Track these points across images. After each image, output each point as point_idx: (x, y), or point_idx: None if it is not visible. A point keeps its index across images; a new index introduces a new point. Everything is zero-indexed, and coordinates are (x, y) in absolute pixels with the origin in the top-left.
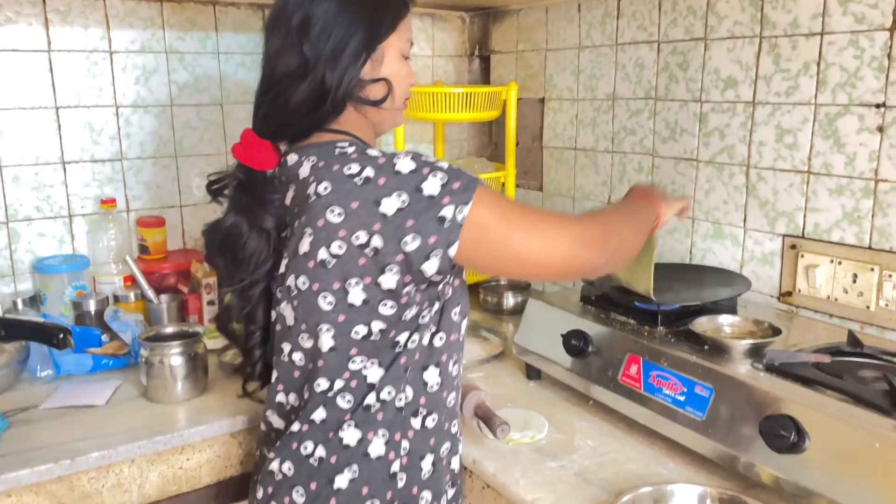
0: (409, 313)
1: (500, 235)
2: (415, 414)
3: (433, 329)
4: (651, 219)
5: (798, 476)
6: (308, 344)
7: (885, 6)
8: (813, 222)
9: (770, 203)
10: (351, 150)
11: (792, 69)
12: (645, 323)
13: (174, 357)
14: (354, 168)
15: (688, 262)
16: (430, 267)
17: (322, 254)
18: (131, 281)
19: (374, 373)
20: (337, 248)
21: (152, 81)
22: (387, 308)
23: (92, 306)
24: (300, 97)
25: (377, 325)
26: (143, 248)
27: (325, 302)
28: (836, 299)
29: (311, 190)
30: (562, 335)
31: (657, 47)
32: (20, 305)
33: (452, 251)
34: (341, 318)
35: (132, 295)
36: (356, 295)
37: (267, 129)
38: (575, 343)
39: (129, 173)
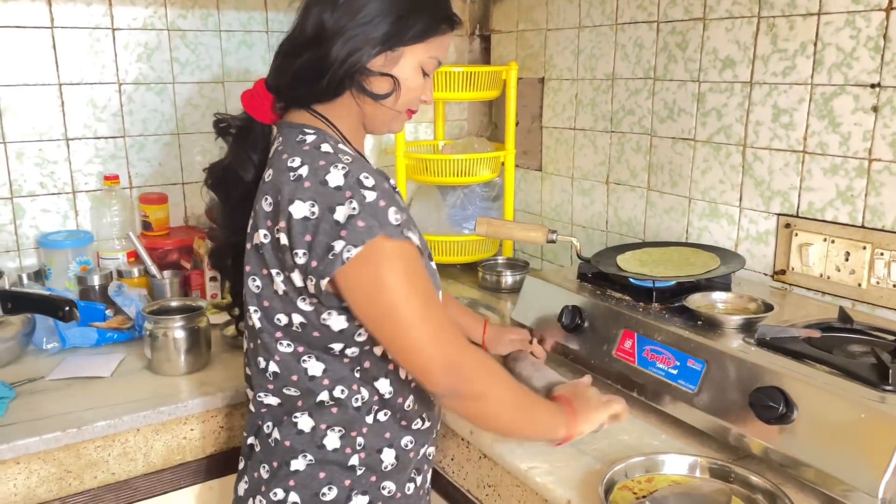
0: (335, 323)
1: (393, 303)
2: (368, 411)
3: (373, 342)
4: (552, 433)
5: (786, 446)
6: (250, 321)
7: None
8: (807, 201)
9: (765, 182)
10: (309, 139)
11: (789, 49)
12: (640, 299)
13: (178, 330)
14: (296, 162)
15: (684, 240)
16: (309, 286)
17: (256, 238)
18: (134, 257)
19: (313, 366)
20: (262, 236)
21: (154, 59)
22: (305, 304)
23: (96, 281)
24: (302, 64)
25: (297, 318)
26: (146, 225)
27: (254, 285)
28: (828, 277)
29: (265, 172)
30: (558, 311)
31: (656, 27)
32: (25, 280)
33: (324, 284)
34: (266, 303)
35: (135, 270)
36: (278, 285)
37: (273, 84)
38: (571, 319)
39: (132, 150)
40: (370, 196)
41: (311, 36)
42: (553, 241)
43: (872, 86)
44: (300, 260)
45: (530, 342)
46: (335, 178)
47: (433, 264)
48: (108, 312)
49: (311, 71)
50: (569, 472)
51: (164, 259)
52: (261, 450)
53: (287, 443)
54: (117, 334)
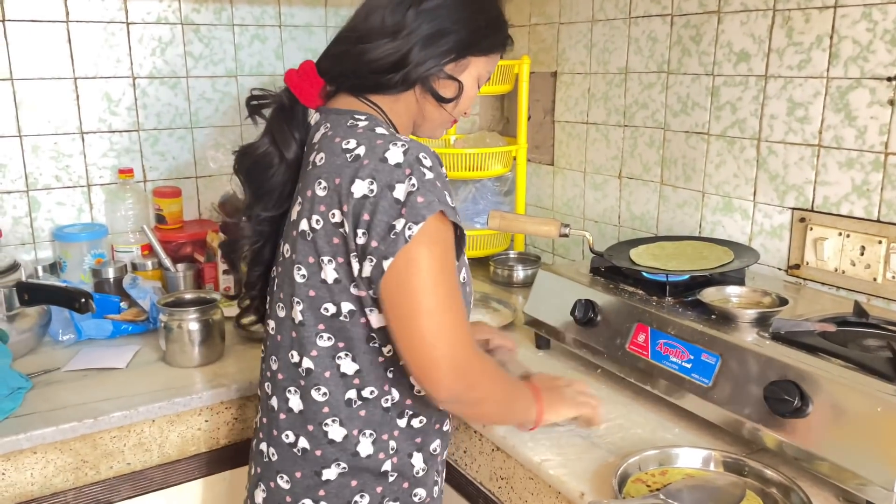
0: (375, 319)
1: (419, 286)
2: (400, 415)
3: None
4: (524, 417)
5: (801, 440)
6: (282, 314)
7: None
8: (822, 195)
9: (780, 177)
10: (362, 124)
11: (805, 42)
12: (653, 293)
13: (192, 322)
14: (352, 143)
15: (697, 234)
16: (365, 269)
17: (303, 225)
18: (149, 250)
19: (347, 365)
20: (315, 221)
21: (168, 53)
22: (358, 290)
23: (111, 274)
24: (379, 54)
25: (346, 306)
26: (160, 218)
27: (299, 274)
28: (843, 272)
29: (311, 158)
30: (571, 305)
31: (670, 20)
32: (41, 272)
33: (387, 264)
34: (311, 293)
35: (149, 263)
36: (329, 272)
37: (330, 68)
38: (584, 313)
39: (146, 144)
40: (429, 175)
41: (390, 30)
42: (566, 235)
43: (889, 79)
44: (360, 241)
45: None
46: (395, 155)
47: (465, 258)
48: (123, 305)
49: (384, 63)
50: (582, 464)
51: (177, 252)
52: (279, 459)
53: (318, 452)
54: (132, 326)
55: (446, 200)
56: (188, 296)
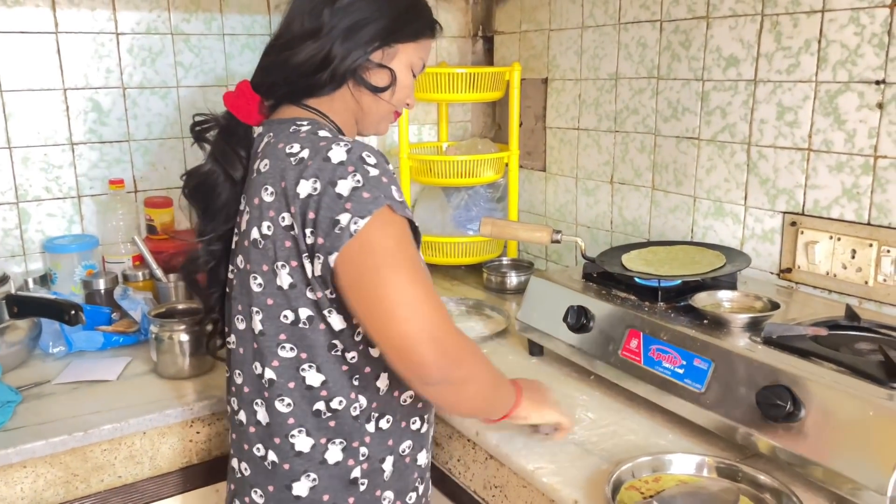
0: (335, 321)
1: (378, 263)
2: (367, 419)
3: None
4: (503, 405)
5: (794, 445)
6: (241, 325)
7: None
8: (813, 199)
9: (771, 180)
10: (304, 129)
11: (793, 47)
12: (646, 299)
13: (183, 333)
14: (295, 147)
15: (689, 239)
16: (316, 268)
17: (254, 233)
18: (140, 260)
19: (312, 377)
20: (266, 228)
21: (158, 63)
22: (314, 293)
23: (102, 285)
24: (303, 57)
25: (304, 312)
26: (151, 228)
27: (255, 283)
28: (835, 275)
29: (255, 165)
30: (563, 311)
31: (659, 26)
32: (31, 284)
33: (332, 259)
34: (269, 301)
35: (141, 274)
36: (284, 278)
37: (262, 82)
38: (576, 319)
39: (137, 154)
40: (373, 171)
41: (310, 31)
42: (558, 242)
43: (877, 82)
44: (309, 240)
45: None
46: (338, 154)
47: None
48: (114, 316)
49: (310, 64)
50: (575, 472)
51: (169, 262)
52: (252, 473)
53: (286, 466)
54: (123, 338)
55: (393, 195)
56: (179, 306)
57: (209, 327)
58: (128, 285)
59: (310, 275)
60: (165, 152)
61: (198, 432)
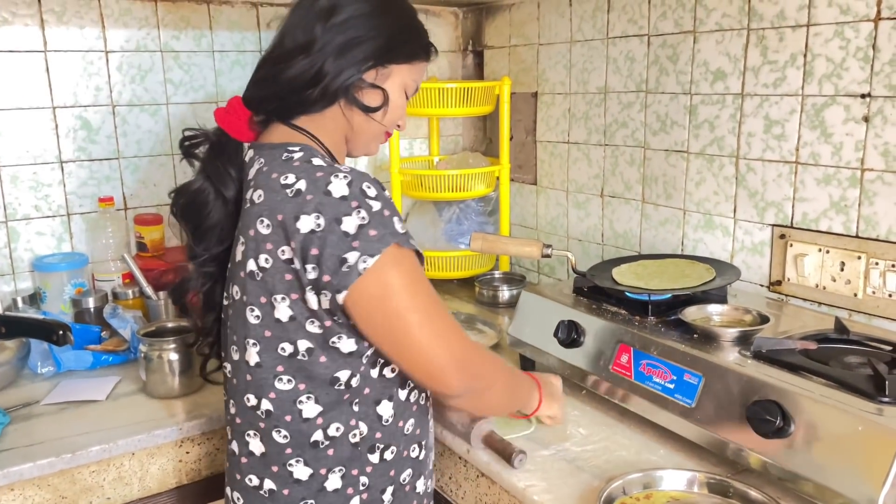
0: (345, 345)
1: (399, 306)
2: (371, 450)
3: (382, 361)
4: (527, 400)
5: (784, 460)
6: (236, 356)
7: None
8: (801, 212)
9: (759, 193)
10: (297, 156)
11: (779, 61)
12: (636, 313)
13: (172, 352)
14: (290, 178)
15: (679, 252)
16: (323, 302)
17: (251, 265)
18: (130, 278)
19: (310, 409)
20: (264, 261)
21: (148, 80)
22: (314, 326)
23: (91, 303)
24: (294, 72)
25: (304, 344)
26: (141, 246)
27: (252, 315)
28: (824, 287)
29: (248, 195)
30: (555, 326)
31: (647, 41)
32: (20, 303)
33: (340, 297)
34: (267, 333)
35: (131, 292)
36: (282, 311)
37: (253, 97)
38: (567, 334)
39: (127, 171)
40: (376, 205)
41: (302, 46)
42: (548, 256)
43: (863, 96)
44: (311, 276)
45: None
46: (338, 187)
47: None
48: (104, 335)
49: (301, 79)
50: (567, 489)
51: (159, 280)
52: (245, 502)
53: (286, 491)
54: (112, 357)
55: (397, 230)
56: (170, 325)
57: (206, 350)
58: (117, 303)
59: (314, 307)
60: (155, 169)
61: (188, 452)
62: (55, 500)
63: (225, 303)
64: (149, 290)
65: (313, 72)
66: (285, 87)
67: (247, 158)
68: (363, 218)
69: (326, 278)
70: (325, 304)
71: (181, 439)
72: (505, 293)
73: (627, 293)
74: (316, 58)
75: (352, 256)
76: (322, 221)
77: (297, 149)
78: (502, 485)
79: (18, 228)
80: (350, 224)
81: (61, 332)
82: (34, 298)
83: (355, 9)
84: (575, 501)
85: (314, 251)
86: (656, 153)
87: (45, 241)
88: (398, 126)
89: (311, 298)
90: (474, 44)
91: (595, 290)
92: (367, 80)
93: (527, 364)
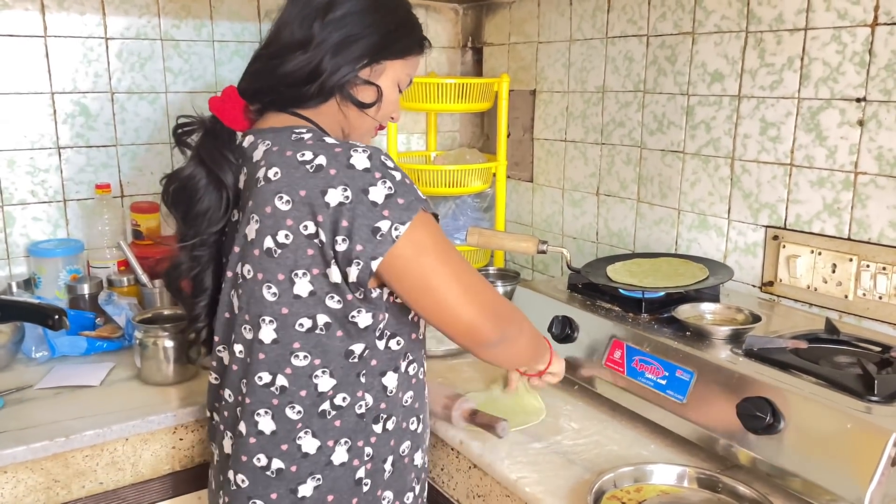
0: (362, 320)
1: (429, 266)
2: (375, 420)
3: (388, 334)
4: (544, 353)
5: (773, 456)
6: (249, 335)
7: (868, 2)
8: (795, 213)
9: (754, 195)
10: (307, 136)
11: (776, 63)
12: (630, 310)
13: (167, 339)
14: (308, 155)
15: (673, 251)
16: (352, 273)
17: (268, 242)
18: (125, 265)
19: (325, 382)
20: (283, 237)
21: (147, 68)
22: (334, 302)
23: (86, 290)
24: (291, 67)
25: (322, 319)
26: (137, 234)
27: (269, 293)
28: (815, 289)
29: (260, 174)
30: (549, 321)
31: (646, 41)
32: (15, 288)
33: (375, 264)
34: (284, 310)
35: (126, 279)
36: (302, 286)
37: (248, 88)
38: (561, 329)
39: (124, 159)
40: (398, 175)
41: (300, 42)
42: (544, 252)
43: (858, 100)
44: (340, 247)
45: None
46: (360, 160)
47: None
48: (98, 321)
49: (298, 75)
50: (558, 481)
51: (154, 268)
52: (251, 484)
53: (293, 468)
54: (107, 343)
55: (420, 196)
56: (165, 312)
57: (192, 336)
58: (112, 290)
59: (336, 280)
60: (153, 157)
61: (181, 439)
62: (48, 484)
63: (229, 289)
64: (144, 277)
65: (310, 68)
66: (282, 82)
67: (245, 144)
68: (389, 188)
69: (360, 247)
70: (354, 276)
71: (175, 426)
72: (499, 288)
73: (622, 290)
74: (313, 54)
75: (384, 225)
76: (350, 193)
77: (303, 130)
78: (494, 476)
79: (14, 213)
80: (377, 194)
81: (57, 317)
82: (29, 283)
83: (352, 5)
84: (566, 494)
85: (344, 223)
86: (652, 153)
87: (40, 227)
88: (392, 118)
89: (335, 272)
90: (474, 40)
91: (589, 286)
92: (361, 76)
93: None
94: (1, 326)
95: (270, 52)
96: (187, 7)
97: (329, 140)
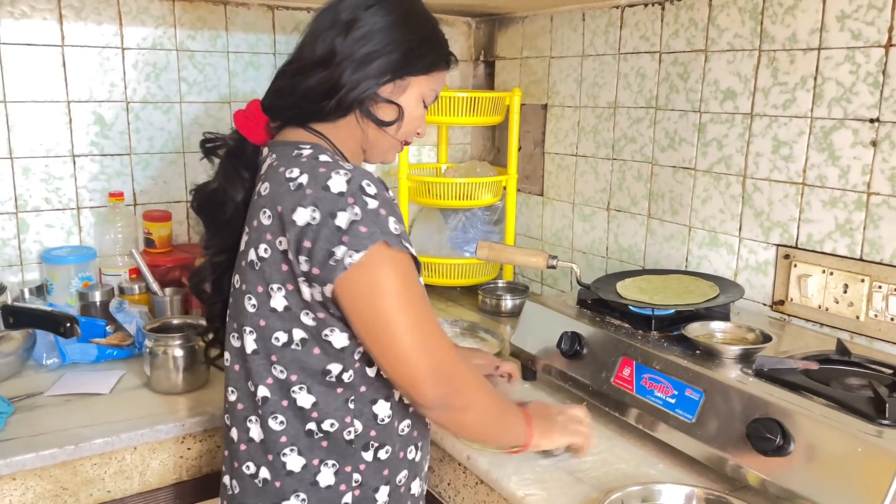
0: (337, 340)
1: (389, 307)
2: (365, 448)
3: (371, 362)
4: (514, 435)
5: (783, 478)
6: (237, 343)
7: (882, 23)
8: (806, 233)
9: (765, 213)
10: (306, 153)
11: (789, 82)
12: (639, 327)
13: (177, 348)
14: (294, 172)
15: (683, 268)
16: (314, 295)
17: (251, 255)
18: (137, 273)
19: (303, 398)
20: (263, 250)
21: (162, 78)
22: (309, 318)
23: (97, 297)
24: (311, 84)
25: (298, 334)
26: (149, 242)
27: (250, 304)
28: (827, 309)
29: (258, 188)
30: (557, 337)
31: (658, 57)
32: (27, 295)
33: (327, 290)
34: (262, 322)
35: (137, 287)
36: (278, 301)
37: (271, 104)
38: (570, 345)
39: (137, 168)
40: (372, 203)
41: (321, 58)
42: (553, 267)
43: (871, 120)
44: (303, 268)
45: (496, 368)
46: (337, 183)
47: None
48: (109, 329)
49: (318, 91)
50: (565, 499)
51: (165, 276)
52: (241, 491)
53: (277, 484)
54: (117, 351)
55: (389, 230)
56: (174, 321)
57: (210, 336)
58: (124, 298)
59: (307, 298)
60: (166, 167)
61: (189, 448)
62: (56, 492)
63: (230, 297)
64: (155, 286)
65: (330, 84)
66: (302, 97)
67: (263, 157)
68: (356, 214)
69: (316, 271)
70: (318, 297)
71: (183, 435)
72: (508, 302)
73: (631, 307)
74: (334, 70)
75: (339, 251)
76: (318, 215)
77: (307, 146)
78: (501, 493)
79: (28, 220)
80: (343, 219)
81: (69, 325)
82: (41, 290)
83: (374, 22)
84: None
85: (307, 244)
86: (664, 169)
87: (54, 234)
88: (417, 134)
89: (305, 290)
90: (486, 54)
91: (599, 302)
92: (382, 94)
93: (528, 374)
94: (12, 333)
95: (293, 69)
96: (203, 18)
97: (322, 158)
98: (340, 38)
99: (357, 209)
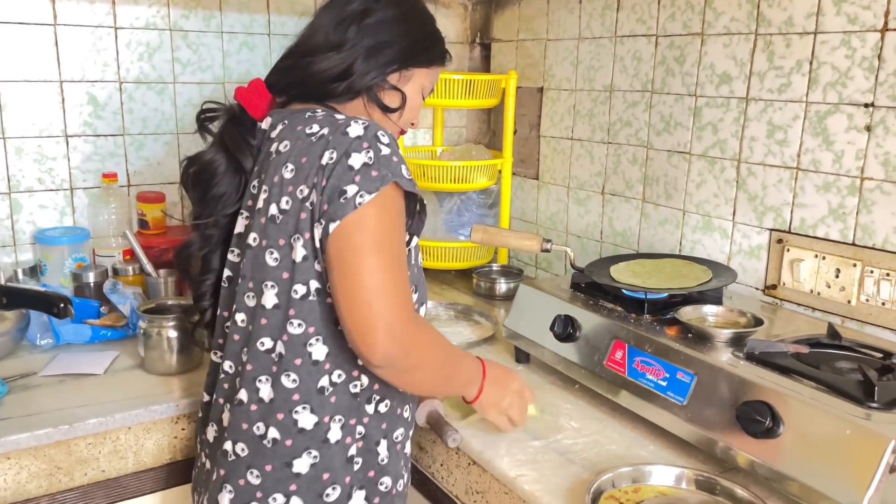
0: None
1: (362, 243)
2: (368, 401)
3: None
4: (464, 386)
5: (772, 460)
6: (252, 303)
7: (878, 8)
8: (799, 217)
9: (759, 198)
10: (320, 114)
11: (785, 67)
12: (632, 310)
13: (171, 329)
14: (315, 128)
15: (677, 252)
16: (317, 233)
17: (272, 209)
18: (130, 255)
19: (318, 350)
20: (285, 203)
21: (156, 58)
22: (320, 266)
23: (91, 278)
24: (325, 65)
25: (314, 284)
26: (143, 223)
27: (272, 258)
28: (819, 293)
29: (273, 148)
30: (551, 320)
31: (655, 41)
32: (20, 275)
33: (332, 227)
34: (285, 275)
35: (131, 269)
36: (298, 251)
37: (278, 81)
38: (563, 328)
39: (131, 148)
40: (385, 150)
41: (334, 42)
42: (547, 251)
43: (866, 105)
44: (314, 200)
45: None
46: (355, 129)
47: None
48: (103, 310)
49: (329, 73)
50: (557, 480)
51: (159, 258)
52: (249, 453)
53: (288, 442)
54: (111, 332)
55: (401, 173)
56: (169, 302)
57: (196, 317)
58: (117, 279)
59: (318, 245)
60: (160, 147)
61: (183, 429)
62: (51, 471)
63: (235, 260)
64: (149, 267)
65: (342, 68)
66: (313, 77)
67: (265, 126)
68: (370, 157)
69: (325, 206)
70: (318, 235)
71: (177, 416)
72: (502, 286)
73: (624, 290)
74: (346, 55)
75: (350, 189)
76: (334, 155)
77: (319, 111)
78: (493, 473)
79: (21, 200)
80: (357, 160)
81: (62, 305)
82: (34, 271)
83: (385, 13)
84: (564, 492)
85: (323, 182)
86: (659, 153)
87: (47, 215)
88: (412, 125)
89: (317, 232)
90: (482, 36)
91: (592, 286)
92: (389, 81)
93: (521, 356)
94: (6, 313)
95: (303, 51)
96: None
97: (338, 116)
98: (354, 27)
99: (371, 153)
